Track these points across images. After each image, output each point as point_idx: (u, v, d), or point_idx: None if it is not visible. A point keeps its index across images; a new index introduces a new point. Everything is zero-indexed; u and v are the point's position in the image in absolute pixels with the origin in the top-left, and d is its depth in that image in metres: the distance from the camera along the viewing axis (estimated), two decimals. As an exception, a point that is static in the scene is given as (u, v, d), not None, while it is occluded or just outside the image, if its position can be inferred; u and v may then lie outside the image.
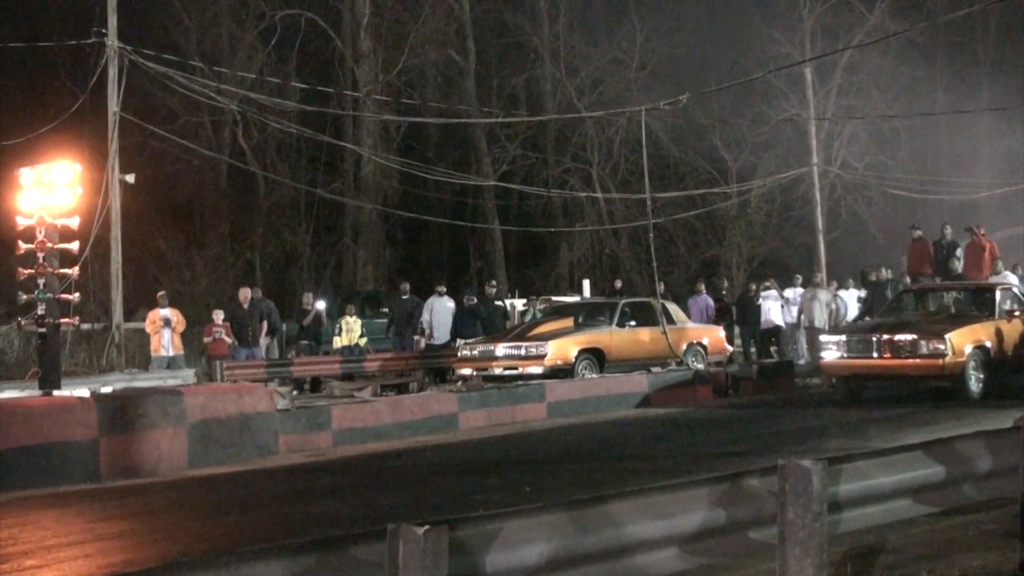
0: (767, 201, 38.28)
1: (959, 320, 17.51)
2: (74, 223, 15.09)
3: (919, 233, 23.73)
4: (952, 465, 7.59)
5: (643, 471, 10.95)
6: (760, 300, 25.07)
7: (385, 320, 24.76)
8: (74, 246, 15.30)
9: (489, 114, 37.15)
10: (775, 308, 24.96)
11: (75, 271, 15.79)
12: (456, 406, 16.03)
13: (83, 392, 13.48)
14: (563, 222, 38.99)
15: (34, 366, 17.91)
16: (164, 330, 20.50)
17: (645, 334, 20.78)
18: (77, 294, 15.96)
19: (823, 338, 18.56)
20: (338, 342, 23.13)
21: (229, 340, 20.95)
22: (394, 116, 36.78)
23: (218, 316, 21.34)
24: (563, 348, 19.41)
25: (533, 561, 5.38)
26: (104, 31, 22.93)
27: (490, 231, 38.75)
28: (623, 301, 21.81)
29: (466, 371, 20.09)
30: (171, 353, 20.54)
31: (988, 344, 16.92)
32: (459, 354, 20.57)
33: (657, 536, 6.07)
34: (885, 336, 16.86)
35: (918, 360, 16.48)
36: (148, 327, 21.00)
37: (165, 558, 7.36)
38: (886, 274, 24.67)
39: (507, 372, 19.23)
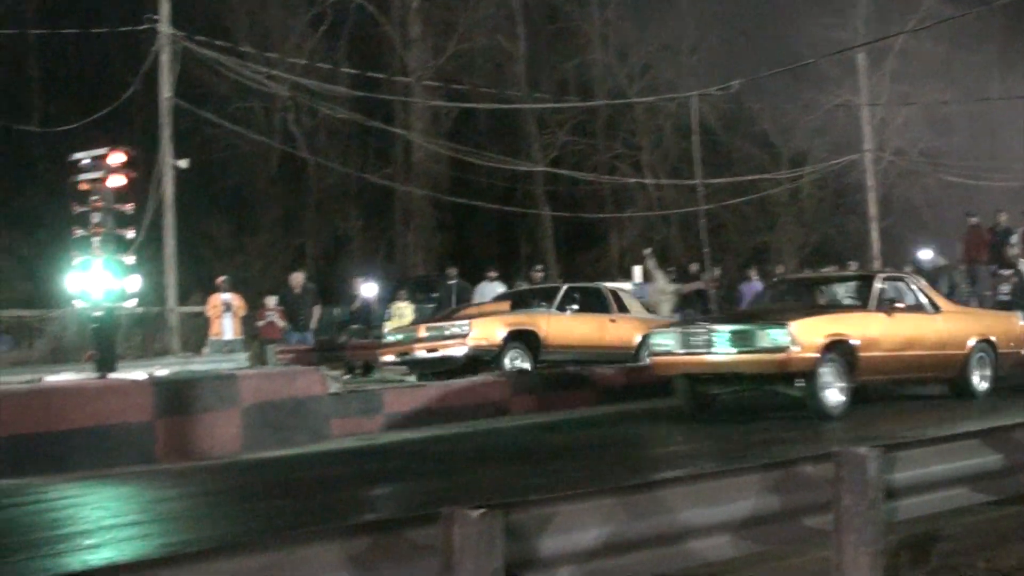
0: (819, 187, 37.98)
1: (817, 309, 14.52)
2: (128, 209, 15.22)
3: (975, 220, 23.44)
4: (1010, 454, 7.49)
5: (693, 457, 10.93)
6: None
7: (435, 305, 24.82)
8: (129, 232, 15.42)
9: (539, 100, 37.09)
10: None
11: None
12: (507, 391, 16.10)
13: (139, 375, 13.63)
14: (612, 208, 38.88)
15: (90, 349, 18.12)
16: (225, 314, 20.63)
17: (591, 320, 18.72)
18: (134, 277, 16.09)
19: (651, 332, 15.71)
20: (389, 327, 23.22)
21: (282, 324, 21.11)
22: (444, 102, 36.81)
23: (271, 300, 21.51)
24: (488, 328, 17.52)
25: (588, 545, 5.37)
26: (156, 17, 23.11)
27: (540, 217, 38.73)
28: (567, 285, 19.82)
29: (388, 357, 18.43)
30: (231, 337, 20.68)
31: (854, 341, 13.31)
32: (384, 339, 19.34)
33: (709, 523, 6.04)
34: (718, 327, 13.60)
35: (756, 355, 12.99)
36: (209, 311, 21.14)
37: (222, 539, 7.45)
38: (940, 261, 24.42)
39: (429, 356, 17.59)
